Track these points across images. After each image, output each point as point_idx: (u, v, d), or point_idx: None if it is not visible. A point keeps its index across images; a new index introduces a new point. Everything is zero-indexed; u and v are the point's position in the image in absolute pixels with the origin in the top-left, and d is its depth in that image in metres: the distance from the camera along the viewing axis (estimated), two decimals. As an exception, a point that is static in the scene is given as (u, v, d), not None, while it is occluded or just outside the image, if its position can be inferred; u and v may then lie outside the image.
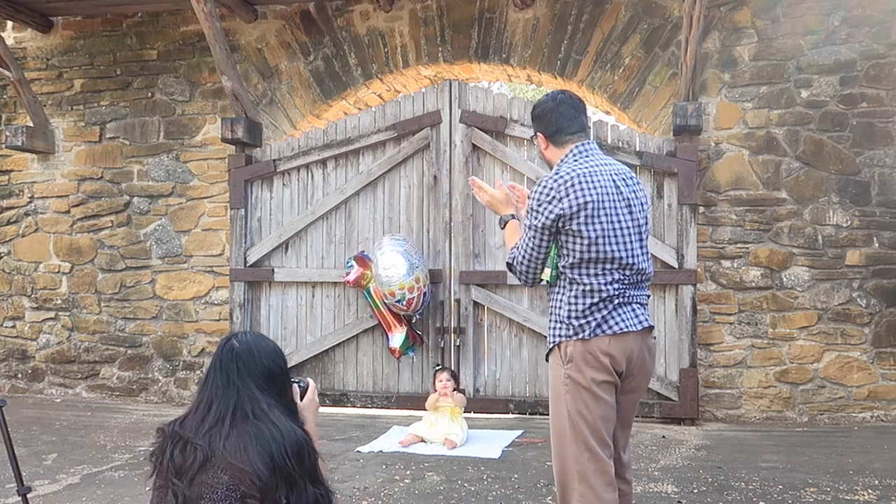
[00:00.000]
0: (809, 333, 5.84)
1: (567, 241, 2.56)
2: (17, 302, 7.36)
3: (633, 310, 2.58)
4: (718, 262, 5.97)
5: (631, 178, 2.69)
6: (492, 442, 5.07)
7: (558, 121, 2.68)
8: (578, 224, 2.52)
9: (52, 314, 7.27)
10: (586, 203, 2.52)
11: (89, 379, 7.16)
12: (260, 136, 6.81)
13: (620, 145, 5.98)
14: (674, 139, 5.94)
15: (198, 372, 6.87)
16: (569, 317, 2.56)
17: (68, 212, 7.25)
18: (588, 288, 2.55)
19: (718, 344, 5.95)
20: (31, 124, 7.12)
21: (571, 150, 2.66)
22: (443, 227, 6.22)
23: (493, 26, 6.47)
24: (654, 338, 2.71)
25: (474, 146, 6.19)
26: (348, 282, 6.06)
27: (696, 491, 3.97)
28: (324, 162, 6.53)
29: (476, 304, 6.17)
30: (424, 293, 5.85)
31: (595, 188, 2.54)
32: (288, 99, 6.88)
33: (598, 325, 2.52)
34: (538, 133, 2.75)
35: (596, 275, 2.55)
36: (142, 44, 7.15)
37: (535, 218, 2.58)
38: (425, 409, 5.22)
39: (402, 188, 6.38)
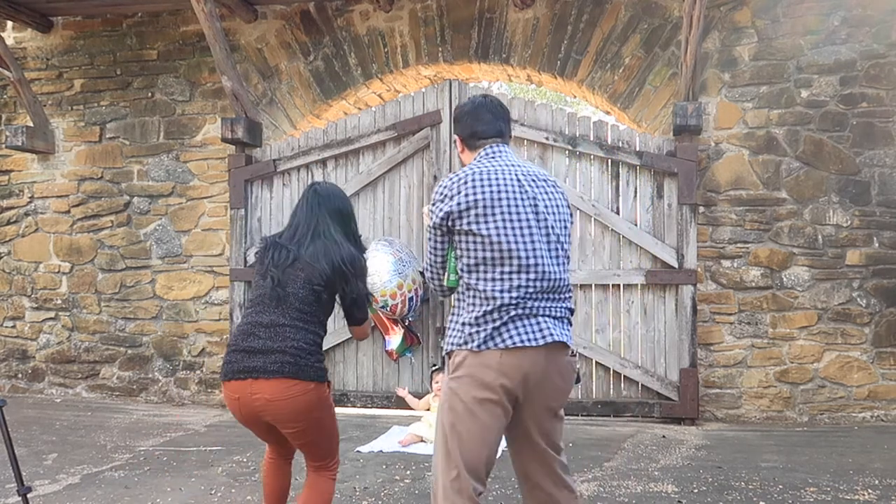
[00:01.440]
0: (809, 333, 5.84)
1: (461, 242, 2.43)
2: (17, 302, 7.36)
3: (538, 323, 2.35)
4: (718, 261, 5.97)
5: (546, 183, 2.53)
6: (492, 442, 5.06)
7: (474, 125, 2.61)
8: (469, 223, 2.39)
9: (52, 314, 7.28)
10: (476, 200, 2.39)
11: (89, 379, 7.16)
12: (260, 136, 6.81)
13: (620, 145, 5.98)
14: (674, 139, 5.94)
15: (198, 372, 6.87)
16: (462, 324, 2.41)
17: (68, 212, 7.25)
18: (483, 294, 2.37)
19: (718, 344, 5.95)
20: (31, 124, 7.13)
21: (481, 153, 2.57)
22: (443, 227, 6.21)
23: (493, 26, 6.47)
24: (574, 355, 2.48)
25: (474, 146, 6.18)
26: None
27: (696, 491, 3.97)
28: (324, 162, 6.53)
29: (476, 304, 6.16)
30: (411, 298, 5.76)
31: (490, 186, 2.41)
32: (288, 99, 6.88)
33: (490, 338, 2.33)
34: (456, 136, 2.69)
35: (493, 279, 2.37)
36: (142, 44, 7.15)
37: (430, 218, 2.51)
38: (426, 410, 5.22)
39: (402, 188, 6.38)
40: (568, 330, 2.47)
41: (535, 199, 2.44)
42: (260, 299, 2.73)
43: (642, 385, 5.92)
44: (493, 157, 2.53)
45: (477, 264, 2.40)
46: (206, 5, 6.05)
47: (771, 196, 5.94)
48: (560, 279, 2.44)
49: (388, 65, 6.70)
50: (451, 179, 2.49)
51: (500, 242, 2.36)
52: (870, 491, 3.94)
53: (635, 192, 6.01)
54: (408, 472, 4.31)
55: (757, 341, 5.90)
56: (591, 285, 6.03)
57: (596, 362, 6.01)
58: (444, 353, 2.47)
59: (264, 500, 3.04)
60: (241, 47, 6.94)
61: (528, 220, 2.40)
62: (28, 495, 3.14)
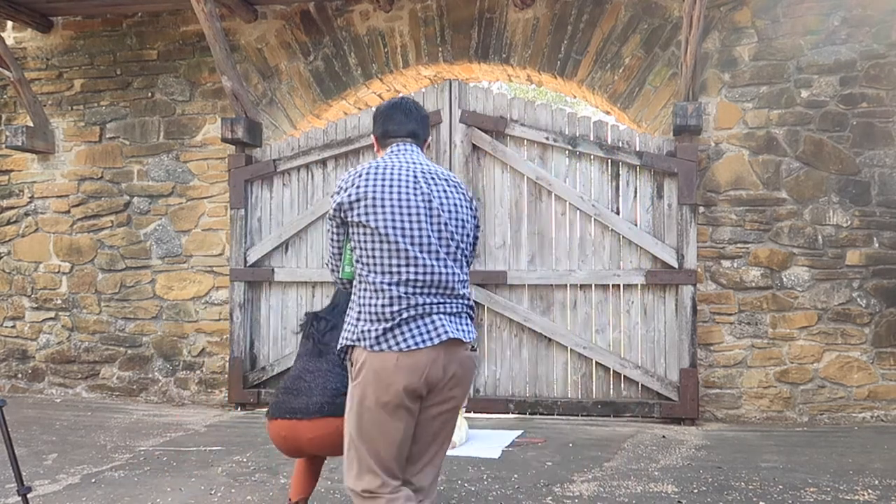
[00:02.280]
0: (809, 333, 5.84)
1: (354, 234, 2.46)
2: (17, 302, 7.37)
3: (432, 321, 2.38)
4: (718, 262, 5.98)
5: (448, 182, 2.55)
6: (492, 442, 5.07)
7: (386, 124, 2.68)
8: (359, 214, 2.42)
9: (52, 314, 7.28)
10: (367, 193, 2.42)
11: (89, 379, 7.16)
12: (260, 136, 6.81)
13: (620, 145, 5.98)
14: (674, 139, 5.94)
15: (198, 372, 6.87)
16: (357, 319, 2.43)
17: (68, 212, 7.25)
18: (373, 287, 2.39)
19: (718, 344, 5.95)
20: (31, 124, 7.13)
21: (388, 150, 2.63)
22: (443, 227, 6.21)
23: (493, 26, 6.47)
24: (474, 349, 2.51)
25: (474, 146, 6.19)
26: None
27: (696, 491, 3.97)
28: (324, 162, 6.53)
29: (476, 304, 6.17)
30: None
31: (383, 179, 2.45)
32: (288, 99, 6.88)
33: (385, 339, 2.36)
34: (373, 135, 2.76)
35: (382, 272, 2.39)
36: (142, 44, 7.15)
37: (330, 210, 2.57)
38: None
39: (402, 188, 6.37)
40: (466, 325, 2.48)
41: (429, 195, 2.46)
42: (306, 353, 3.28)
43: (642, 385, 5.92)
44: (395, 154, 2.58)
45: (367, 256, 2.42)
46: (206, 5, 6.05)
47: (771, 196, 5.94)
48: (452, 275, 2.44)
49: (388, 65, 6.70)
50: (349, 172, 2.54)
51: (387, 235, 2.39)
52: (870, 491, 3.94)
53: (635, 192, 6.01)
54: (408, 472, 4.31)
55: (757, 341, 5.90)
56: (591, 285, 6.04)
57: (596, 362, 6.01)
58: (339, 347, 2.50)
59: (295, 481, 3.34)
60: (241, 47, 6.94)
61: (418, 215, 2.42)
62: (28, 495, 3.15)
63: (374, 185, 2.44)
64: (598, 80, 6.31)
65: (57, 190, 7.29)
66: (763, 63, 5.99)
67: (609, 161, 6.03)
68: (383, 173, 2.46)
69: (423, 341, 2.35)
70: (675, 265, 5.83)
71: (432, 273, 2.40)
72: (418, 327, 2.36)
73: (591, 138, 6.04)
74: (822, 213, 5.87)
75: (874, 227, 5.80)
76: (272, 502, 3.82)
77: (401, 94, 2.89)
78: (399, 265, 2.39)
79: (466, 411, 5.42)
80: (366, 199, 2.42)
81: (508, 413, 6.10)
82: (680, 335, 5.82)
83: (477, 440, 5.11)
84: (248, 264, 6.58)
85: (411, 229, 2.41)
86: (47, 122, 7.27)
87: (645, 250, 5.92)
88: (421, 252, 2.40)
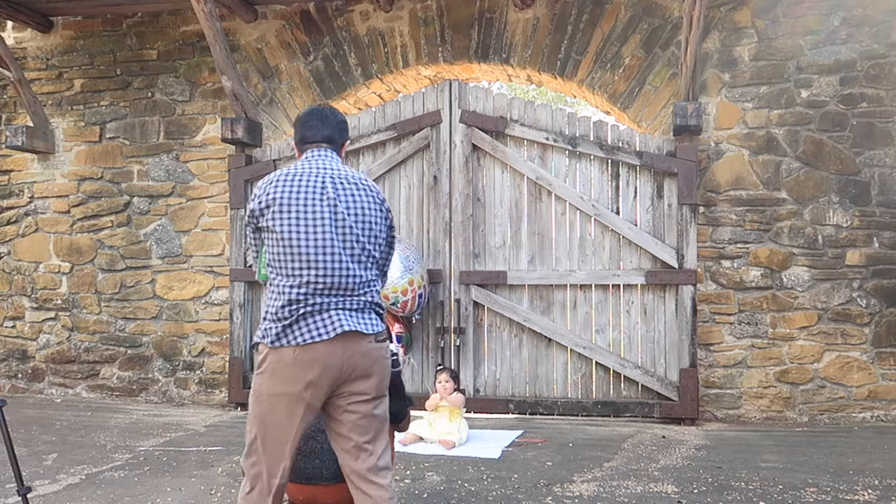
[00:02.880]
0: (809, 333, 5.84)
1: (265, 239, 2.58)
2: (17, 302, 7.36)
3: (329, 317, 2.48)
4: (718, 262, 5.97)
5: (357, 186, 2.63)
6: (492, 442, 5.07)
7: (303, 130, 2.77)
8: (268, 220, 2.54)
9: (52, 314, 7.28)
10: (274, 199, 2.53)
11: (89, 379, 7.16)
12: (260, 136, 6.81)
13: (620, 145, 5.98)
14: (674, 139, 5.94)
15: (198, 372, 6.87)
16: (264, 318, 2.55)
17: (68, 212, 7.25)
18: (279, 289, 2.52)
19: (718, 344, 5.95)
20: (31, 124, 7.13)
21: (304, 156, 2.72)
22: (443, 227, 6.22)
23: (493, 26, 6.47)
24: (380, 341, 2.59)
25: (474, 146, 6.19)
26: None
27: (696, 491, 3.97)
28: (324, 162, 6.52)
29: (476, 304, 6.17)
30: (420, 294, 5.81)
31: (290, 185, 2.55)
32: (288, 99, 6.88)
33: (284, 335, 2.47)
34: (293, 141, 2.85)
35: (286, 275, 2.51)
36: (142, 44, 7.15)
37: None
38: (425, 410, 5.21)
39: (402, 188, 6.38)
40: (368, 318, 2.56)
41: (335, 200, 2.55)
42: None
43: (642, 385, 5.92)
44: (309, 160, 2.67)
45: (275, 260, 2.54)
46: (206, 5, 6.05)
47: (771, 196, 5.94)
48: (354, 276, 2.54)
49: (388, 65, 6.70)
50: (264, 179, 2.64)
51: (290, 239, 2.50)
52: (870, 491, 3.94)
53: (635, 192, 6.01)
54: (408, 472, 4.31)
55: (757, 341, 5.90)
56: (591, 285, 6.04)
57: (596, 362, 6.01)
58: (252, 344, 2.59)
59: None
60: (241, 47, 6.94)
61: (322, 219, 2.52)
62: (28, 495, 3.15)
63: (283, 192, 2.54)
64: (598, 80, 6.31)
65: (57, 190, 7.29)
66: (763, 63, 5.99)
67: (609, 161, 6.03)
68: (292, 180, 2.56)
69: (320, 335, 2.45)
70: (675, 265, 5.83)
71: (332, 275, 2.51)
72: (315, 322, 2.47)
73: (591, 138, 6.04)
74: (822, 213, 5.87)
75: (874, 227, 5.80)
76: (272, 502, 3.82)
77: (319, 104, 2.97)
78: (301, 268, 2.50)
79: (467, 411, 5.41)
80: (274, 204, 2.53)
81: (508, 413, 6.10)
82: (680, 335, 5.82)
83: (477, 440, 5.11)
84: (248, 264, 6.58)
85: (314, 233, 2.50)
86: (47, 122, 7.27)
87: (645, 250, 5.92)
88: (323, 255, 2.50)
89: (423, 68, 6.74)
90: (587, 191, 6.09)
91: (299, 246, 2.49)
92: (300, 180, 2.56)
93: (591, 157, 6.06)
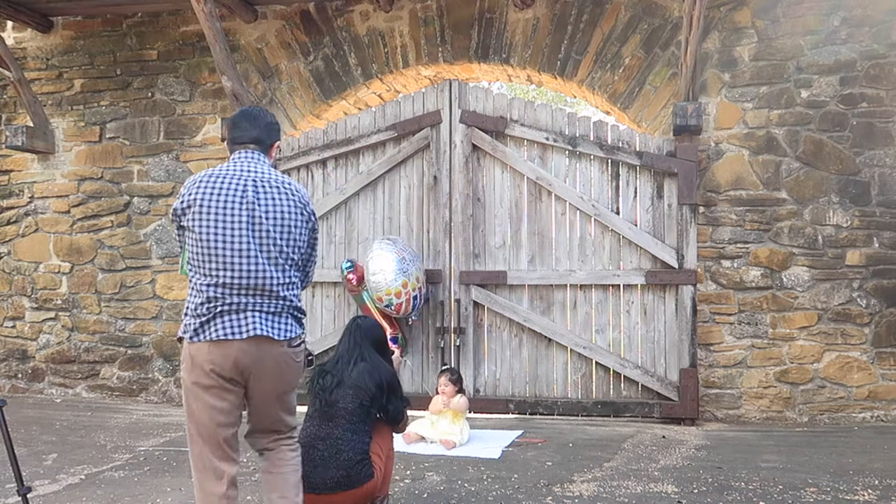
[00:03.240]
0: (809, 333, 5.84)
1: (186, 236, 2.69)
2: (17, 302, 7.36)
3: (245, 318, 2.60)
4: (718, 262, 5.97)
5: (279, 190, 2.71)
6: (492, 442, 5.07)
7: (232, 131, 2.85)
8: (188, 220, 2.64)
9: (52, 314, 7.28)
10: (195, 199, 2.63)
11: (89, 379, 7.16)
12: (260, 136, 6.79)
13: (620, 145, 5.98)
14: (674, 139, 5.94)
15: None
16: (185, 314, 2.68)
17: (68, 212, 7.25)
18: (197, 287, 2.63)
19: (718, 344, 5.95)
20: (31, 124, 7.13)
21: (232, 156, 2.81)
22: (443, 227, 6.22)
23: (493, 26, 6.47)
24: (296, 346, 2.72)
25: (474, 146, 6.19)
26: (350, 281, 6.00)
27: (696, 491, 3.97)
28: (324, 162, 6.53)
29: (476, 304, 6.17)
30: (415, 297, 5.77)
31: (210, 187, 2.64)
32: (288, 99, 6.88)
33: (202, 330, 2.60)
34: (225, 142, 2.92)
35: (204, 274, 2.62)
36: (142, 44, 7.15)
37: None
38: (426, 410, 5.20)
39: (402, 188, 6.38)
40: (283, 323, 2.68)
41: (254, 203, 2.64)
42: (316, 414, 3.24)
43: (642, 385, 5.92)
44: (234, 161, 2.76)
45: (194, 258, 2.64)
46: (206, 5, 6.05)
47: (771, 196, 5.94)
48: (270, 278, 2.63)
49: (388, 65, 6.70)
50: (189, 179, 2.74)
51: (208, 240, 2.60)
52: (870, 491, 3.94)
53: (635, 192, 6.01)
54: (408, 472, 4.31)
55: (757, 341, 5.90)
56: (591, 285, 6.04)
57: (596, 362, 6.01)
58: (177, 337, 2.74)
59: None
60: (241, 47, 6.94)
61: (240, 221, 2.61)
62: (28, 495, 3.15)
63: (204, 193, 2.63)
64: (598, 80, 6.31)
65: (57, 190, 7.29)
66: (763, 63, 5.99)
67: (609, 161, 6.03)
68: (214, 181, 2.66)
69: (234, 334, 2.59)
70: (675, 265, 5.83)
71: (248, 276, 2.61)
72: (230, 321, 2.60)
73: (591, 138, 6.04)
74: (822, 213, 5.87)
75: (874, 227, 5.80)
76: (272, 502, 3.82)
77: (249, 107, 3.05)
78: (217, 268, 2.60)
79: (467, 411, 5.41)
80: (195, 205, 2.62)
81: (508, 413, 6.10)
82: (680, 335, 5.82)
83: (477, 440, 5.11)
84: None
85: (231, 235, 2.60)
86: (47, 122, 7.27)
87: (645, 250, 5.92)
88: (239, 257, 2.60)
89: (423, 68, 6.74)
90: (587, 191, 6.09)
91: (216, 247, 2.59)
92: (222, 182, 2.65)
93: (591, 157, 6.06)
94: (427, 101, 6.30)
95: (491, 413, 6.11)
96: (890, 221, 5.79)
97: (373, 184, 6.40)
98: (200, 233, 2.60)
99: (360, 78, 6.76)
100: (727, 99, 6.03)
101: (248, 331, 2.59)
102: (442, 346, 6.18)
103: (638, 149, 5.96)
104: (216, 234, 2.60)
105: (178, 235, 2.77)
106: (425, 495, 3.89)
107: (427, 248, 6.27)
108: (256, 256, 2.61)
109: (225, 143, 2.86)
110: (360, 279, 5.97)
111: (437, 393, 5.24)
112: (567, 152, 6.12)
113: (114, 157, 7.17)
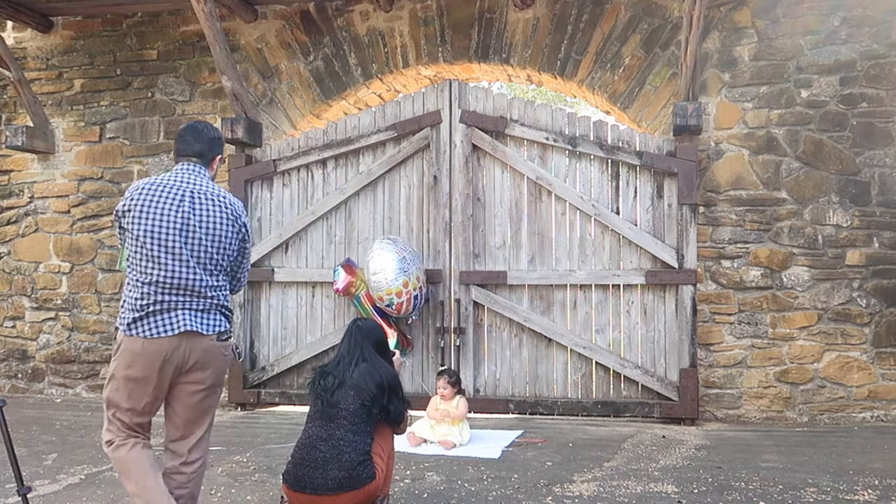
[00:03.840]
0: (809, 333, 5.84)
1: (125, 236, 2.95)
2: (17, 302, 7.37)
3: (176, 315, 2.85)
4: (718, 262, 5.97)
5: (214, 203, 2.96)
6: (492, 442, 5.07)
7: (177, 144, 3.11)
8: (128, 221, 2.90)
9: (52, 314, 7.28)
10: (136, 204, 2.89)
11: (89, 379, 7.16)
12: (260, 136, 6.81)
13: (620, 145, 5.98)
14: (674, 139, 5.94)
15: (198, 372, 6.86)
16: (122, 306, 2.91)
17: (68, 212, 7.25)
18: (133, 283, 2.88)
19: (718, 344, 5.95)
20: (31, 124, 7.13)
21: (174, 168, 3.06)
22: (443, 227, 6.22)
23: (493, 26, 6.47)
24: (224, 340, 2.97)
25: (474, 146, 6.19)
26: (337, 290, 6.01)
27: (696, 491, 3.97)
28: (324, 162, 6.53)
29: (476, 304, 6.17)
30: (416, 296, 5.77)
31: (150, 195, 2.90)
32: (288, 99, 6.89)
33: (136, 326, 2.84)
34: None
35: (139, 271, 2.87)
36: (142, 44, 7.15)
37: None
38: (425, 410, 5.20)
39: (402, 188, 6.38)
40: (211, 319, 2.93)
41: (189, 213, 2.90)
42: (317, 415, 3.23)
43: (642, 385, 5.92)
44: (176, 173, 3.01)
45: (132, 257, 2.90)
46: (206, 5, 6.05)
47: (771, 196, 5.94)
48: (199, 280, 2.89)
49: (388, 65, 6.70)
50: (133, 184, 3.04)
51: (144, 243, 2.86)
52: (870, 491, 3.94)
53: (635, 192, 6.01)
54: (408, 472, 4.31)
55: (757, 341, 5.90)
56: (591, 285, 6.04)
57: (596, 362, 6.01)
58: (115, 327, 2.93)
59: None
60: (241, 47, 6.94)
61: (174, 228, 2.87)
62: (28, 495, 3.15)
63: (143, 200, 2.89)
64: (598, 80, 6.31)
65: (57, 190, 7.29)
66: (763, 63, 5.99)
67: (609, 161, 6.03)
68: (154, 190, 2.92)
69: (165, 331, 2.83)
70: (675, 265, 5.83)
71: (178, 277, 2.86)
72: (162, 319, 2.84)
73: (591, 138, 6.04)
74: (822, 213, 5.87)
75: (874, 227, 5.80)
76: (272, 502, 3.82)
77: (197, 121, 3.28)
78: (151, 267, 2.86)
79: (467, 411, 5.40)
80: (134, 210, 2.89)
81: (508, 413, 6.10)
82: (680, 335, 5.82)
83: (477, 440, 5.11)
84: (248, 264, 6.57)
85: (165, 239, 2.86)
86: (47, 122, 7.28)
87: (645, 250, 5.92)
88: (172, 259, 2.86)
89: (423, 68, 6.74)
90: (587, 191, 6.09)
91: (151, 249, 2.85)
92: (161, 191, 2.91)
93: (591, 156, 6.06)
94: (427, 101, 6.30)
95: (491, 413, 6.11)
96: (890, 221, 5.79)
97: (373, 184, 6.40)
98: (138, 235, 2.86)
99: (360, 78, 6.76)
100: (727, 99, 6.03)
101: (178, 327, 2.84)
102: (442, 346, 6.18)
103: (638, 149, 5.96)
104: (152, 237, 2.85)
105: (119, 234, 3.00)
106: (425, 495, 3.89)
107: (427, 248, 6.27)
108: (188, 260, 2.87)
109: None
110: (347, 288, 5.96)
111: (436, 393, 5.23)
112: (567, 152, 6.13)
113: (114, 157, 7.18)
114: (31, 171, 7.38)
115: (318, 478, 3.09)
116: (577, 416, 6.01)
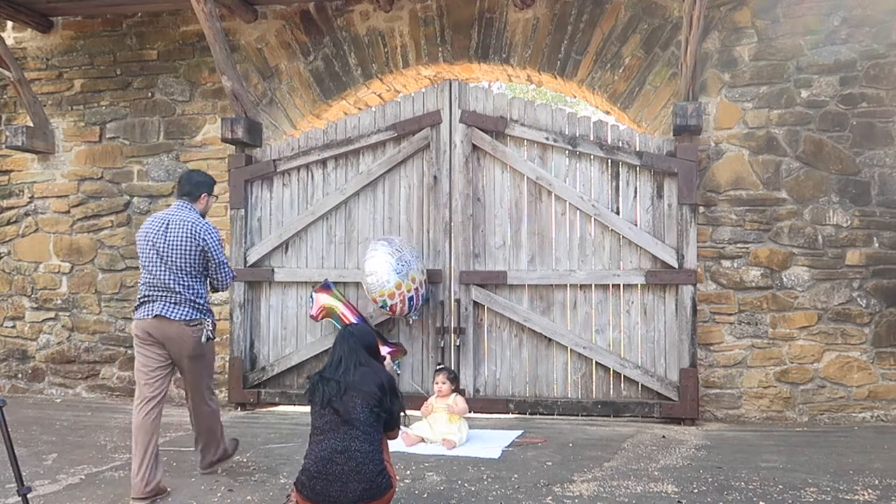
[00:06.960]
0: (809, 333, 5.84)
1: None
2: (17, 302, 7.37)
3: (154, 305, 4.04)
4: (718, 262, 5.98)
5: (179, 227, 4.09)
6: (492, 442, 5.07)
7: (177, 186, 4.44)
8: (137, 242, 4.22)
9: (52, 314, 7.28)
10: (140, 232, 4.18)
11: (89, 379, 7.16)
12: (260, 136, 6.81)
13: (620, 145, 5.98)
14: (674, 139, 5.94)
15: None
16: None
17: (68, 212, 7.25)
18: (140, 283, 4.16)
19: (718, 344, 5.95)
20: (31, 124, 7.13)
21: (173, 204, 4.32)
22: (443, 227, 6.22)
23: (493, 26, 6.47)
24: (191, 325, 4.03)
25: (474, 146, 6.19)
26: (313, 316, 6.03)
27: (696, 491, 3.97)
28: (324, 162, 6.53)
29: (476, 304, 6.17)
30: (411, 297, 5.72)
31: (146, 225, 4.17)
32: (288, 99, 6.89)
33: (137, 311, 4.11)
34: None
35: (141, 276, 4.15)
36: (142, 44, 7.15)
37: None
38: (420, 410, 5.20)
39: (402, 188, 6.38)
40: (179, 309, 4.04)
41: (165, 235, 4.08)
42: (328, 426, 3.22)
43: (642, 385, 5.92)
44: (171, 207, 4.25)
45: (141, 266, 4.19)
46: (206, 5, 6.05)
47: (771, 196, 5.94)
48: (171, 280, 4.04)
49: (388, 65, 6.70)
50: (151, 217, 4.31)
51: (141, 256, 4.14)
52: (870, 491, 3.94)
53: (635, 192, 6.01)
54: (408, 472, 4.31)
55: (757, 341, 5.90)
56: (591, 285, 6.04)
57: (596, 362, 6.01)
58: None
59: None
60: (241, 47, 6.94)
61: (155, 246, 4.08)
62: (28, 495, 3.15)
63: (143, 228, 4.16)
64: (598, 80, 6.31)
65: (57, 190, 7.29)
66: (763, 63, 5.99)
67: (609, 161, 6.03)
68: (150, 221, 4.18)
69: (146, 315, 4.05)
70: (675, 265, 5.83)
71: (157, 278, 4.06)
72: (146, 307, 4.07)
73: (591, 138, 6.04)
74: (822, 213, 5.87)
75: (874, 227, 5.80)
76: (272, 502, 3.82)
77: (191, 169, 4.72)
78: (145, 273, 4.11)
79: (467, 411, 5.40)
80: (139, 235, 4.18)
81: (508, 413, 6.10)
82: (680, 335, 5.82)
83: (477, 440, 5.11)
84: (248, 264, 6.58)
85: (150, 254, 4.09)
86: (47, 122, 7.28)
87: (645, 250, 5.92)
88: (153, 267, 4.07)
89: (423, 68, 6.74)
90: (587, 191, 6.09)
91: (143, 260, 4.12)
92: (153, 221, 4.16)
93: (591, 156, 6.07)
94: (427, 101, 6.30)
95: (491, 413, 6.11)
96: (890, 221, 5.79)
97: (373, 184, 6.40)
98: (140, 251, 4.16)
99: (360, 78, 6.76)
100: (727, 99, 6.03)
101: (154, 313, 4.03)
102: (442, 345, 6.18)
103: (638, 149, 5.96)
104: (143, 252, 4.11)
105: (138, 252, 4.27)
106: (425, 495, 3.89)
107: (427, 248, 6.27)
108: (161, 266, 4.06)
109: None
110: (321, 314, 6.01)
111: (433, 392, 5.24)
112: (567, 152, 6.13)
113: (114, 157, 7.18)
114: (31, 171, 7.38)
115: (337, 491, 3.10)
116: (577, 416, 6.01)
